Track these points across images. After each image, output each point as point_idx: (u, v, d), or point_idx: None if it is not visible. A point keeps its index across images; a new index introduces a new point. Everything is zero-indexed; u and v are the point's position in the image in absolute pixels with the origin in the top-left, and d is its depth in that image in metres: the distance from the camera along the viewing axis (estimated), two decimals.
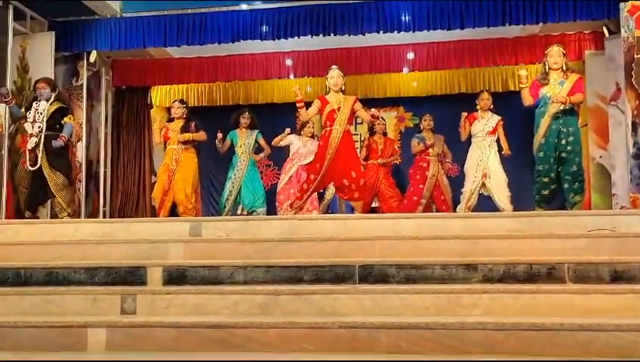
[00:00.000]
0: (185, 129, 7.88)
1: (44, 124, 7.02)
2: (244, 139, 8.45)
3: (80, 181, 9.14)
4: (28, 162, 6.99)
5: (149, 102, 11.04)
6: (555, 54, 6.50)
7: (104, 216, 9.84)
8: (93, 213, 9.60)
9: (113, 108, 10.66)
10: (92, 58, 9.55)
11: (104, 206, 10.11)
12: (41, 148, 6.96)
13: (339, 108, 6.62)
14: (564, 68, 6.47)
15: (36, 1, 8.46)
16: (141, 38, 9.11)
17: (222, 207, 8.36)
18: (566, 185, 6.37)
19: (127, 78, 10.70)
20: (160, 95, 11.10)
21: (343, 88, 6.82)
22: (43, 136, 6.98)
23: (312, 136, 8.66)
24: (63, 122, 7.16)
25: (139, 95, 11.04)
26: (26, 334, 3.54)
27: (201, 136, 8.00)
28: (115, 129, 10.71)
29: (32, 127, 7.00)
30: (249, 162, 8.41)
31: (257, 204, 8.31)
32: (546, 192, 6.45)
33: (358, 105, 6.73)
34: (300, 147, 8.57)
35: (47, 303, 3.99)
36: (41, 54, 8.67)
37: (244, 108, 9.20)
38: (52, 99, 7.15)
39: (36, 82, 7.39)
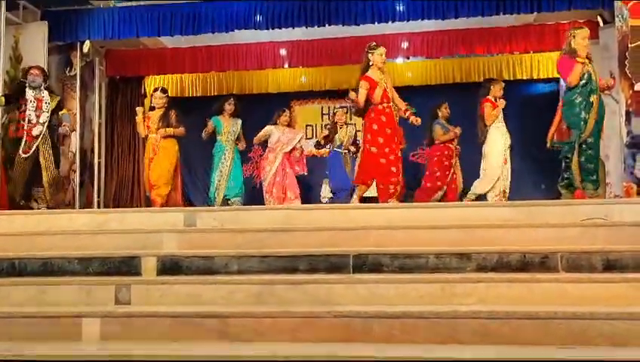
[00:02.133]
0: (164, 118, 7.75)
1: (49, 115, 7.08)
2: (228, 127, 8.36)
3: (74, 171, 9.12)
4: (22, 149, 7.02)
5: (142, 92, 11.01)
6: (585, 35, 6.33)
7: (98, 207, 9.84)
8: (87, 204, 9.59)
9: (107, 99, 10.63)
10: (85, 48, 9.51)
11: (98, 196, 10.10)
12: (44, 139, 6.99)
13: (386, 88, 6.61)
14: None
15: None
16: (135, 28, 9.07)
17: (212, 199, 8.28)
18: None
19: (121, 68, 10.68)
20: (154, 85, 11.02)
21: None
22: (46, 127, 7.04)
23: (289, 125, 8.65)
24: (60, 114, 7.26)
25: (133, 85, 11.02)
26: (21, 324, 3.54)
27: (181, 131, 7.85)
28: (108, 119, 10.70)
29: (37, 117, 7.00)
30: (234, 151, 8.37)
31: (232, 193, 8.26)
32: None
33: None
34: (280, 136, 8.54)
35: (42, 293, 3.99)
36: (34, 44, 8.63)
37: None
38: (43, 89, 7.17)
39: (29, 68, 7.38)
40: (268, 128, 8.58)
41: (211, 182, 8.36)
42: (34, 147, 6.98)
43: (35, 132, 6.99)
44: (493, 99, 7.59)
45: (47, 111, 7.04)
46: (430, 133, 8.53)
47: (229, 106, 8.42)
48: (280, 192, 8.42)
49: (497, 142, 7.50)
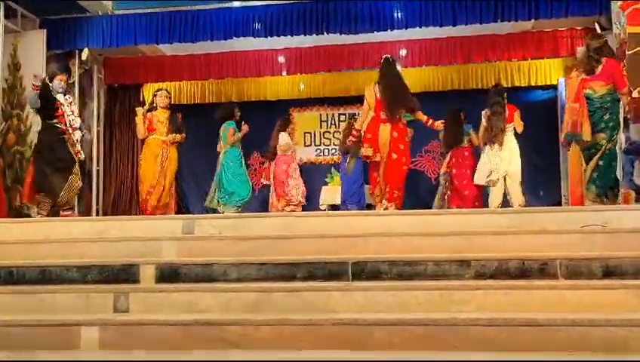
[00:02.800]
0: (172, 120, 7.85)
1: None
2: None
3: None
4: (78, 152, 7.08)
5: (141, 99, 11.01)
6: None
7: (97, 214, 9.83)
8: (86, 211, 9.58)
9: (105, 106, 10.64)
10: (84, 56, 9.53)
11: (97, 203, 10.10)
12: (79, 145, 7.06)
13: None
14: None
15: None
16: (133, 35, 9.10)
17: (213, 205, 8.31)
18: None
19: (119, 76, 10.70)
20: (152, 93, 11.05)
21: None
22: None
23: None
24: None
25: (131, 93, 11.05)
26: (19, 333, 3.53)
27: (183, 137, 8.02)
28: (107, 126, 10.73)
29: (74, 121, 7.08)
30: (223, 155, 8.39)
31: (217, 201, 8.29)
32: None
33: None
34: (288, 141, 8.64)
35: (40, 302, 3.98)
36: (33, 52, 8.64)
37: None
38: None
39: (56, 74, 7.37)
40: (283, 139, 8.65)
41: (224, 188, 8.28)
42: (80, 151, 7.02)
43: (76, 136, 7.01)
44: None
45: (79, 116, 7.13)
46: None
47: (238, 112, 8.58)
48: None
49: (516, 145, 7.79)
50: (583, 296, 3.58)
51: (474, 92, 10.17)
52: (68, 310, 3.89)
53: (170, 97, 8.07)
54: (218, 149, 8.37)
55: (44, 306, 3.95)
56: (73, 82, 9.41)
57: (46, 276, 4.22)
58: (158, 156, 7.77)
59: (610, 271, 3.80)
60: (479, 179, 7.89)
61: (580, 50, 6.38)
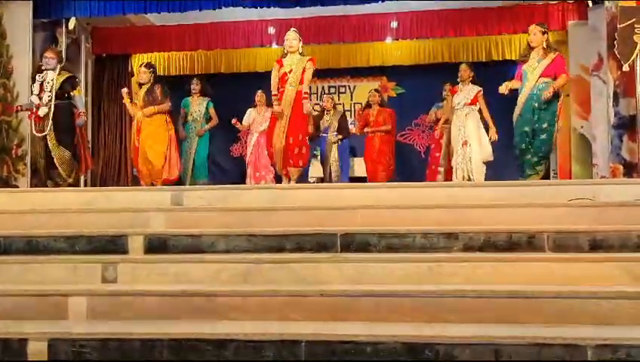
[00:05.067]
0: (149, 94, 7.53)
1: (53, 93, 6.92)
2: (195, 107, 8.36)
3: None
4: (35, 128, 6.93)
5: (130, 70, 10.92)
6: (531, 32, 6.51)
7: (85, 185, 9.77)
8: (74, 182, 9.52)
9: (93, 77, 10.53)
10: (71, 25, 9.41)
11: (85, 174, 10.03)
12: (50, 119, 6.86)
13: (290, 71, 6.62)
14: (545, 46, 6.46)
15: None
16: (121, 4, 9.00)
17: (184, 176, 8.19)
18: (528, 156, 6.40)
19: (108, 46, 10.59)
20: (141, 63, 10.97)
21: (301, 50, 6.79)
22: (53, 106, 6.88)
23: (266, 105, 8.61)
24: (72, 94, 7.03)
25: (119, 63, 10.94)
26: (6, 303, 3.52)
27: (165, 106, 7.56)
28: (95, 97, 10.62)
29: (40, 99, 6.89)
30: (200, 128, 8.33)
31: (198, 175, 8.26)
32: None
33: (309, 65, 6.70)
34: (257, 117, 8.56)
35: (27, 272, 3.97)
36: (19, 21, 8.52)
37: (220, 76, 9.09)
38: (58, 70, 7.03)
39: (44, 51, 7.27)
40: (248, 111, 8.61)
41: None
42: (47, 128, 6.87)
43: (40, 113, 6.88)
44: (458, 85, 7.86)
45: (49, 91, 6.92)
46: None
47: (193, 86, 8.45)
48: (254, 171, 8.44)
49: (452, 129, 7.77)
50: (570, 269, 3.60)
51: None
52: (56, 280, 3.88)
53: (151, 71, 7.74)
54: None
55: (31, 276, 3.94)
56: (60, 51, 9.29)
57: (33, 246, 4.21)
58: (136, 132, 7.61)
59: (597, 245, 3.83)
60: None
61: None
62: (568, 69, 7.38)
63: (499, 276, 3.61)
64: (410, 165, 10.43)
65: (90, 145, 9.78)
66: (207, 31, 10.24)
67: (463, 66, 7.89)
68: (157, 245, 4.13)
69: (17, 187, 7.45)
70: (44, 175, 7.10)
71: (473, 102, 7.57)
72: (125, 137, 10.60)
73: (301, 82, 6.63)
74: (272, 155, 6.76)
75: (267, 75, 10.57)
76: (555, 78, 6.31)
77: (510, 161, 7.14)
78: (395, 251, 3.94)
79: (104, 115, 10.78)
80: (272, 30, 10.07)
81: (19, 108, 7.37)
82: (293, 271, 3.75)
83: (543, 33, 6.48)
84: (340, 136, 8.95)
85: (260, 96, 8.64)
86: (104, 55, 10.77)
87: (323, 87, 11.49)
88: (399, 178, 8.91)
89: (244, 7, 8.88)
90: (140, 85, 7.82)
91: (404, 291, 3.34)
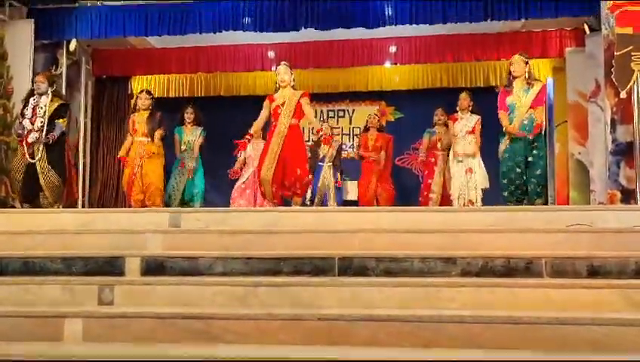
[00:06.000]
0: (151, 120, 7.58)
1: (46, 119, 6.91)
2: (188, 136, 8.36)
3: None
4: (27, 154, 6.88)
5: (129, 92, 10.96)
6: (515, 62, 6.57)
7: (83, 206, 9.77)
8: (71, 203, 9.51)
9: (93, 98, 10.57)
10: (72, 47, 9.47)
11: (83, 196, 10.03)
12: (41, 144, 6.85)
13: (283, 104, 6.61)
14: (527, 76, 6.53)
15: None
16: (122, 27, 9.04)
17: (169, 203, 8.18)
18: (531, 187, 6.45)
19: (108, 68, 10.64)
20: (140, 85, 10.99)
21: (292, 84, 6.78)
22: (45, 131, 6.86)
23: (263, 138, 8.59)
24: (55, 122, 7.01)
25: (119, 85, 10.99)
26: (2, 324, 3.50)
27: (161, 134, 7.67)
28: (94, 119, 10.64)
29: (32, 124, 6.88)
30: (195, 158, 8.34)
31: (195, 198, 8.28)
32: (517, 193, 6.52)
33: (305, 100, 6.67)
34: (252, 152, 8.53)
35: (24, 293, 3.94)
36: (20, 42, 8.56)
37: (192, 101, 9.10)
38: (50, 95, 7.03)
39: (34, 76, 7.29)
40: (245, 150, 8.63)
41: (167, 185, 8.17)
42: (38, 153, 6.85)
43: (30, 138, 6.86)
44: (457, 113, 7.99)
45: (42, 117, 6.91)
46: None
47: (187, 115, 8.46)
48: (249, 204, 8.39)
49: (452, 157, 7.89)
50: (568, 295, 3.59)
51: (463, 91, 10.18)
52: (52, 302, 3.86)
53: (151, 98, 7.82)
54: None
55: (27, 297, 3.92)
56: (60, 73, 9.33)
57: (30, 267, 4.20)
58: (135, 162, 7.57)
59: (595, 271, 3.82)
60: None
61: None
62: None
63: (497, 301, 3.60)
64: (408, 189, 10.42)
65: (82, 169, 9.83)
66: (207, 54, 10.30)
67: (462, 95, 7.98)
68: (154, 267, 4.12)
69: (15, 208, 7.43)
70: (20, 199, 7.10)
71: (473, 131, 7.63)
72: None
73: (295, 116, 6.61)
74: (261, 183, 6.69)
75: (266, 98, 10.76)
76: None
77: None
78: (393, 275, 3.92)
79: (103, 136, 10.80)
80: (271, 54, 10.13)
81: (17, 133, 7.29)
82: (291, 295, 3.74)
83: (526, 63, 6.57)
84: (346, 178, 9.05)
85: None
86: (104, 77, 10.82)
87: (322, 111, 11.54)
88: (397, 202, 8.91)
89: (244, 31, 8.93)
90: (137, 109, 7.83)
91: (402, 316, 3.33)
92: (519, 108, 6.43)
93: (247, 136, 7.76)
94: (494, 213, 5.25)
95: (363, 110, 11.20)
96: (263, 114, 6.81)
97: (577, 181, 9.00)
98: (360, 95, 11.35)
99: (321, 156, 9.06)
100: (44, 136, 6.84)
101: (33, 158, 6.86)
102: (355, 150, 9.63)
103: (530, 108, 6.42)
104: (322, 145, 9.05)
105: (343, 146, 10.60)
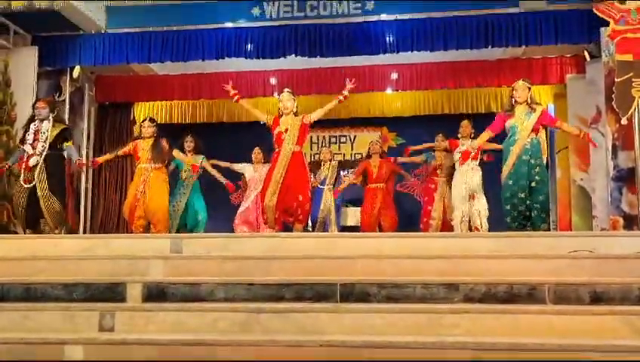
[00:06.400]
0: (155, 147, 7.55)
1: (47, 144, 6.92)
2: (189, 165, 8.25)
3: None
4: (22, 179, 6.85)
5: (131, 118, 11.00)
6: (519, 88, 6.60)
7: (85, 232, 9.76)
8: (73, 229, 9.51)
9: (96, 125, 10.61)
10: (75, 74, 9.53)
11: (85, 222, 10.03)
12: (41, 169, 6.84)
13: (286, 130, 6.64)
14: (529, 101, 6.56)
15: (20, 16, 8.40)
16: (125, 53, 9.11)
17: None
18: (535, 213, 6.42)
19: (111, 94, 10.69)
20: (143, 111, 11.06)
21: (295, 110, 6.80)
22: (45, 155, 6.85)
23: (264, 162, 8.59)
24: (64, 146, 7.04)
25: (122, 111, 11.03)
26: (3, 350, 3.49)
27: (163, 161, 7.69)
28: (97, 145, 10.66)
29: (34, 148, 6.88)
30: (193, 186, 8.32)
31: (198, 225, 8.28)
32: (519, 218, 6.49)
33: (307, 119, 6.74)
34: (254, 175, 8.54)
35: (25, 319, 3.94)
36: (24, 69, 8.63)
37: (191, 129, 9.14)
38: (51, 121, 7.03)
39: (35, 102, 7.30)
40: (242, 165, 8.67)
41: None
42: (35, 178, 6.84)
43: (31, 162, 6.85)
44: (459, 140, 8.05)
45: (44, 141, 6.91)
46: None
47: (187, 144, 8.44)
48: (252, 229, 8.38)
49: (455, 184, 7.84)
50: (571, 322, 3.58)
51: (464, 117, 10.21)
52: (53, 328, 3.85)
53: (155, 125, 7.75)
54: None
55: (28, 324, 3.91)
56: (64, 100, 9.38)
57: (31, 293, 4.19)
58: (139, 184, 7.59)
59: (597, 297, 3.81)
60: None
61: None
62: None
63: (499, 328, 3.58)
64: (410, 215, 10.41)
65: (84, 195, 9.84)
66: (210, 80, 10.35)
67: (464, 123, 8.03)
68: (155, 293, 4.10)
69: (17, 233, 7.42)
70: (23, 225, 7.04)
71: (475, 157, 7.63)
72: (126, 185, 10.60)
73: (298, 142, 6.65)
74: (264, 210, 6.71)
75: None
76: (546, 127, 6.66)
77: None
78: (395, 301, 3.91)
79: (105, 163, 10.79)
80: (273, 80, 10.19)
81: (7, 165, 7.27)
82: (293, 321, 3.73)
83: (529, 89, 6.61)
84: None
85: (256, 153, 8.67)
86: (107, 103, 10.86)
87: (324, 137, 11.57)
88: (399, 228, 8.88)
89: (246, 58, 8.99)
90: (137, 137, 7.83)
91: (404, 342, 3.31)
92: (521, 131, 6.43)
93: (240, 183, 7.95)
94: (496, 239, 5.23)
95: (365, 136, 11.25)
96: (261, 117, 7.00)
97: (580, 206, 8.99)
98: (362, 121, 11.40)
99: (322, 178, 9.06)
100: (44, 159, 6.84)
101: (29, 183, 6.82)
102: (350, 175, 9.54)
103: (532, 131, 6.43)
104: (322, 167, 9.08)
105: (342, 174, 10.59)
